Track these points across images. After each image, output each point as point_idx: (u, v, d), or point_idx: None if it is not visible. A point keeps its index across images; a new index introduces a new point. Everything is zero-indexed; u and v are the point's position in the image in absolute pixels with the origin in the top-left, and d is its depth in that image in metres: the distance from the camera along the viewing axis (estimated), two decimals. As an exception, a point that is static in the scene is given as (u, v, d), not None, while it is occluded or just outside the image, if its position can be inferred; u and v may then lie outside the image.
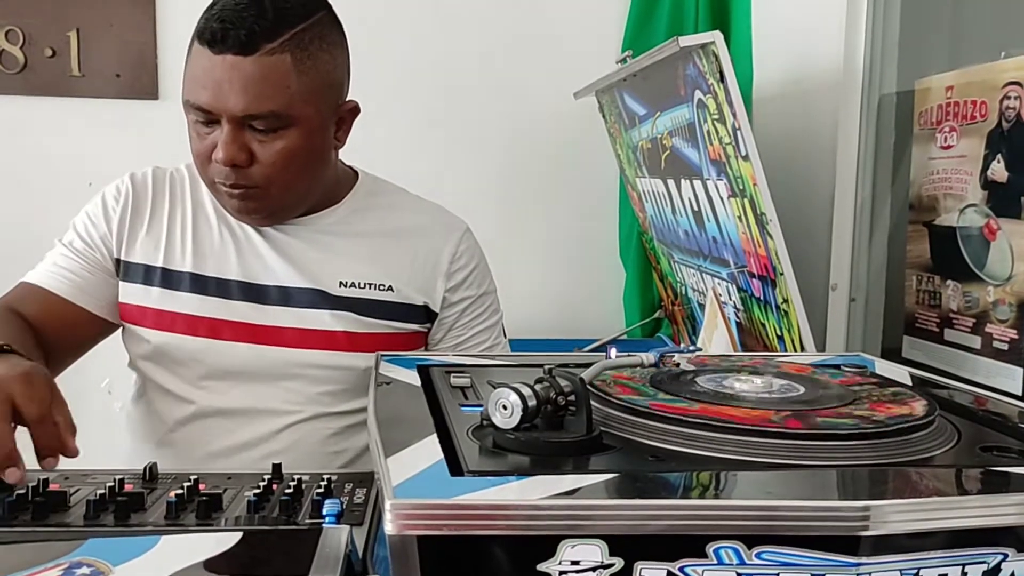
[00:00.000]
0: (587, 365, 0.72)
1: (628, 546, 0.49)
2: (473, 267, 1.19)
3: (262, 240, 1.13)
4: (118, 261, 1.12)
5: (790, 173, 1.58)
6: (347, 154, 1.19)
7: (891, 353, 1.41)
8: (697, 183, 1.48)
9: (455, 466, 0.56)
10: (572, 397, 0.62)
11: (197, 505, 0.76)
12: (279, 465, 0.88)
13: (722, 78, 1.21)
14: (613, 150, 2.08)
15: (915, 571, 0.51)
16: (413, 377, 0.82)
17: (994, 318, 1.18)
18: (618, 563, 0.49)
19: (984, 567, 0.52)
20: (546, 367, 0.65)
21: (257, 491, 0.79)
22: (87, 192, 1.22)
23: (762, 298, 1.36)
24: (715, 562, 0.49)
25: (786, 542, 0.49)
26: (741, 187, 1.28)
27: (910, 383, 0.85)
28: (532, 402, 0.60)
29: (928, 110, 1.31)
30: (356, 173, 1.21)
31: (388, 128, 1.98)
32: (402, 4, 2.14)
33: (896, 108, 1.45)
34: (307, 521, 0.76)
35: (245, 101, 0.98)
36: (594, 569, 0.49)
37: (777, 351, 1.35)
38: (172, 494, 0.78)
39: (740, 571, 0.49)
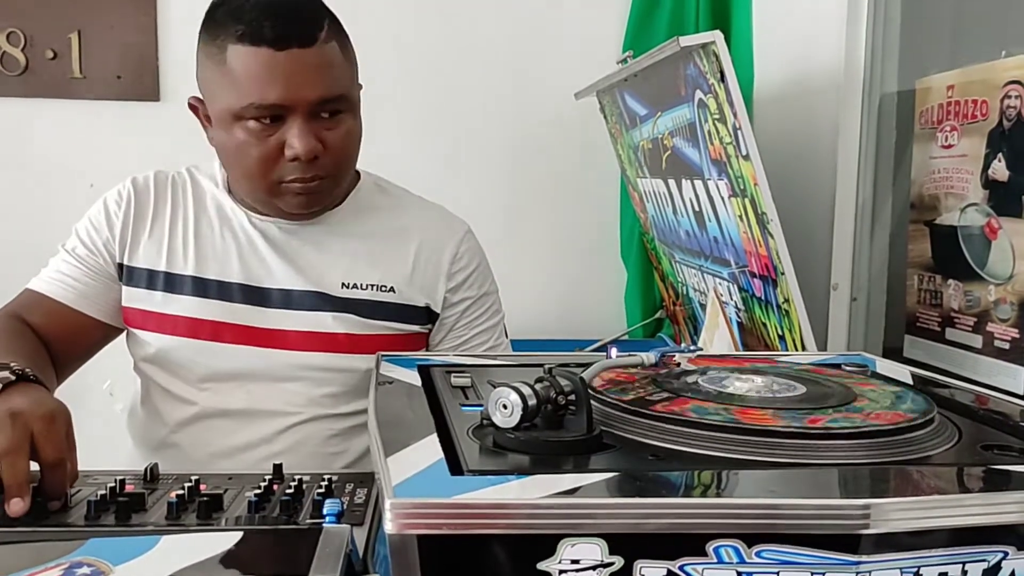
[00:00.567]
0: (587, 365, 0.72)
1: (628, 545, 0.49)
2: (474, 268, 1.19)
3: (264, 242, 1.13)
4: (121, 266, 1.13)
5: (791, 173, 1.58)
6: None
7: (893, 352, 1.41)
8: (698, 183, 1.48)
9: (455, 465, 0.56)
10: (572, 396, 0.62)
11: (198, 505, 0.76)
12: (280, 466, 0.88)
13: (723, 78, 1.21)
14: (614, 150, 2.08)
15: (915, 569, 0.51)
16: (414, 377, 0.82)
17: (995, 317, 1.18)
18: (618, 562, 0.49)
19: (984, 565, 0.51)
20: (546, 367, 0.65)
21: (258, 491, 0.79)
22: (89, 193, 1.22)
23: (763, 298, 1.36)
24: (715, 561, 0.49)
25: (786, 540, 0.49)
26: (742, 187, 1.28)
27: (911, 382, 0.85)
28: (532, 401, 0.60)
29: (929, 109, 1.31)
30: (358, 174, 1.22)
31: (389, 129, 1.98)
32: (403, 5, 2.15)
33: (897, 107, 1.45)
34: (308, 521, 0.76)
35: (322, 87, 1.01)
36: (594, 568, 0.49)
37: (778, 351, 1.35)
38: (173, 494, 0.78)
39: (740, 570, 0.49)
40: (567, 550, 0.49)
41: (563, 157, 2.22)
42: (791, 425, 0.62)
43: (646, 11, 2.08)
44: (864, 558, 0.49)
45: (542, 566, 0.49)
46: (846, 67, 1.46)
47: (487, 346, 1.19)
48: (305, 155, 1.01)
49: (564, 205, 2.24)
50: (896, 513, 0.50)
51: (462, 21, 2.16)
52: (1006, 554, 0.52)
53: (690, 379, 0.74)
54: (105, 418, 1.31)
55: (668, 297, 2.09)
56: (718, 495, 0.56)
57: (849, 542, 0.49)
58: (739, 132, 1.22)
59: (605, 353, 0.77)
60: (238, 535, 0.62)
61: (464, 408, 0.71)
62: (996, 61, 1.16)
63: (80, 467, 0.85)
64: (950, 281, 1.27)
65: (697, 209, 1.54)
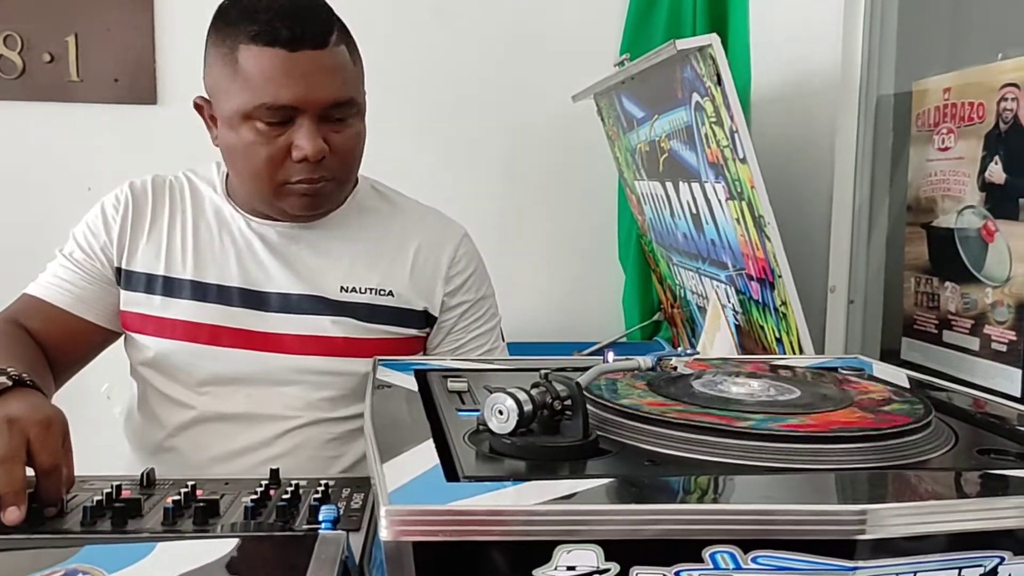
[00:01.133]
0: (584, 369, 0.72)
1: (624, 551, 0.49)
2: (471, 271, 1.19)
3: (263, 246, 1.13)
4: (119, 270, 1.12)
5: (788, 175, 1.58)
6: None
7: (890, 355, 1.41)
8: (695, 186, 1.48)
9: (451, 471, 0.56)
10: (568, 402, 0.62)
11: (194, 511, 0.76)
12: (277, 471, 0.88)
13: (719, 81, 1.21)
14: (611, 153, 2.08)
15: (912, 574, 0.50)
16: (410, 381, 0.82)
17: (992, 320, 1.18)
18: (614, 568, 0.49)
19: (981, 570, 0.51)
20: (542, 371, 0.65)
21: (254, 497, 0.79)
22: (86, 197, 1.22)
23: (760, 300, 1.36)
24: (711, 567, 0.49)
25: (782, 546, 0.49)
26: (739, 190, 1.28)
27: (908, 385, 0.85)
28: (528, 407, 0.60)
29: (926, 112, 1.31)
30: (356, 178, 1.22)
31: (386, 131, 1.97)
32: (401, 7, 2.15)
33: (894, 110, 1.45)
34: (304, 527, 0.76)
35: (334, 89, 1.01)
36: (590, 574, 0.49)
37: (776, 353, 1.35)
38: (169, 500, 0.78)
39: (736, 575, 0.49)
40: (563, 556, 0.49)
41: (561, 160, 2.22)
42: (787, 430, 0.61)
43: (643, 14, 2.08)
44: (860, 564, 0.49)
45: (538, 573, 0.49)
46: (843, 70, 1.46)
47: (484, 350, 1.19)
48: (313, 156, 1.01)
49: (562, 208, 2.24)
50: (892, 518, 0.50)
51: (459, 24, 2.16)
52: (1002, 559, 0.52)
53: (687, 383, 0.74)
54: (102, 423, 1.30)
55: (666, 300, 2.09)
56: (714, 501, 0.56)
57: (845, 548, 0.49)
58: (736, 135, 1.22)
59: (602, 357, 0.77)
60: (234, 542, 0.61)
61: (460, 413, 0.71)
62: (993, 64, 1.16)
63: (77, 472, 0.85)
64: (947, 283, 1.27)
65: (694, 212, 1.54)
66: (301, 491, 0.83)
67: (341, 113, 1.03)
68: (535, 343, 1.95)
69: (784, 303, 1.26)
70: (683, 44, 1.25)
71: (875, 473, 0.58)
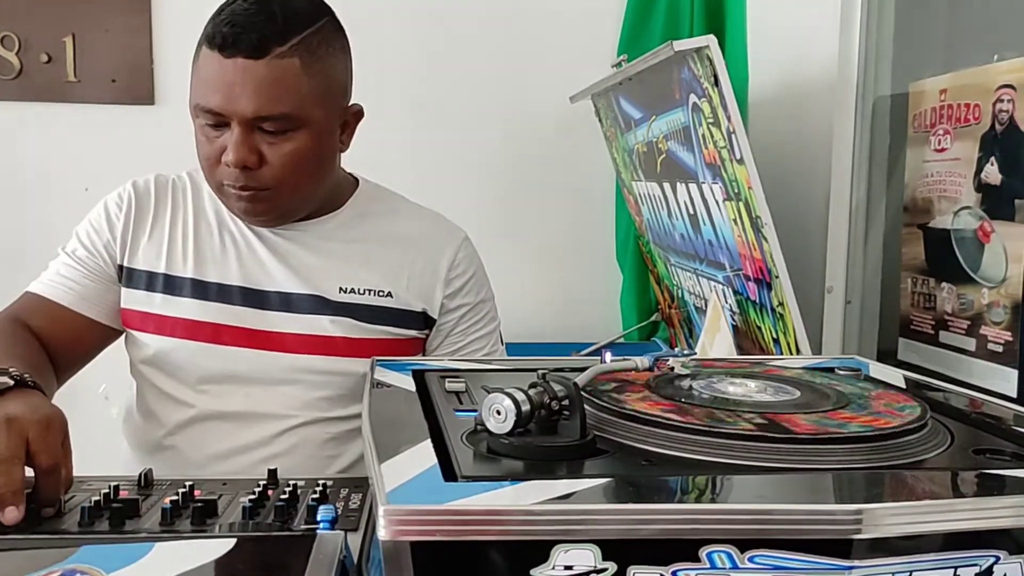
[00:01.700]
0: (582, 369, 0.72)
1: (621, 550, 0.49)
2: (471, 274, 1.19)
3: (263, 246, 1.13)
4: (121, 267, 1.13)
5: (785, 176, 1.58)
6: (343, 157, 1.19)
7: (887, 355, 1.42)
8: (693, 187, 1.49)
9: (449, 471, 0.56)
10: (566, 402, 0.62)
11: (192, 511, 0.76)
12: (275, 471, 0.88)
13: (717, 82, 1.21)
14: (609, 153, 2.08)
15: (908, 574, 0.51)
16: (408, 382, 0.82)
17: (988, 320, 1.18)
18: (611, 568, 0.49)
19: (976, 569, 0.52)
20: (540, 372, 0.65)
21: (252, 497, 0.79)
22: (84, 198, 1.22)
23: (758, 301, 1.36)
24: (708, 566, 0.49)
25: (779, 546, 0.49)
26: (736, 190, 1.29)
27: (904, 386, 0.85)
28: (526, 407, 0.60)
29: (922, 113, 1.32)
30: (356, 180, 1.22)
31: (384, 132, 1.98)
32: (398, 8, 2.15)
33: (890, 111, 1.46)
34: (302, 527, 0.76)
35: (257, 103, 0.99)
36: (587, 574, 0.49)
37: (773, 354, 1.35)
38: (167, 500, 0.78)
39: (733, 575, 0.49)
40: (560, 556, 0.49)
41: (558, 160, 2.22)
42: (784, 430, 0.62)
43: (641, 15, 2.08)
44: (857, 563, 0.50)
45: (536, 572, 0.49)
46: (840, 71, 1.47)
47: (483, 353, 1.20)
48: (234, 163, 1.01)
49: (559, 208, 2.24)
50: (888, 518, 0.50)
51: (457, 25, 2.16)
52: (998, 558, 0.52)
53: (684, 384, 0.74)
54: (100, 423, 1.30)
55: (663, 300, 2.09)
56: (711, 500, 0.56)
57: (841, 547, 0.49)
58: (733, 136, 1.22)
59: (599, 357, 0.77)
60: (231, 542, 0.61)
61: (458, 413, 0.71)
62: (989, 65, 1.16)
63: (75, 472, 0.85)
64: (944, 284, 1.27)
65: (692, 212, 1.54)
66: (299, 491, 0.83)
67: (274, 126, 1.01)
68: (533, 343, 1.95)
69: (781, 304, 1.26)
70: (680, 45, 1.25)
71: (871, 473, 0.58)
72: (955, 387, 0.85)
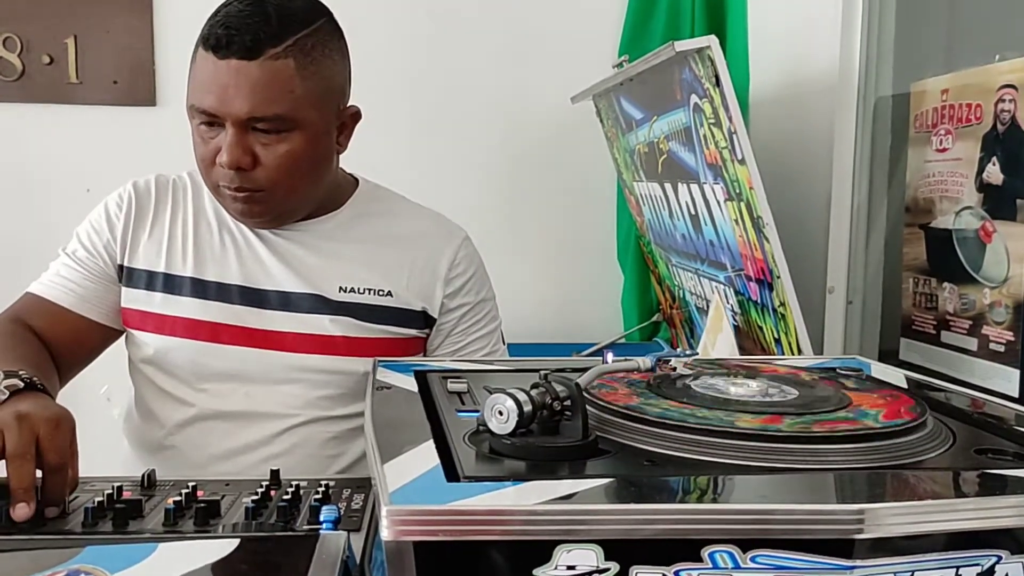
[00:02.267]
0: (584, 370, 0.72)
1: (623, 550, 0.49)
2: (471, 274, 1.19)
3: (262, 245, 1.13)
4: (121, 267, 1.13)
5: (786, 176, 1.58)
6: (344, 158, 1.19)
7: (888, 355, 1.42)
8: (694, 187, 1.49)
9: (451, 472, 0.56)
10: (568, 402, 0.62)
11: (195, 512, 0.77)
12: (277, 471, 0.88)
13: (718, 82, 1.21)
14: (610, 154, 2.08)
15: (909, 573, 0.51)
16: (410, 383, 0.82)
17: (990, 320, 1.18)
18: (613, 567, 0.49)
19: (978, 569, 0.52)
20: (542, 372, 0.65)
21: (255, 497, 0.79)
22: (85, 199, 1.22)
23: (759, 301, 1.36)
24: (710, 566, 0.49)
25: (781, 545, 0.50)
26: (737, 191, 1.29)
27: (906, 386, 0.85)
28: (528, 407, 0.60)
29: (924, 113, 1.32)
30: (356, 180, 1.22)
31: (384, 133, 1.98)
32: (399, 9, 2.15)
33: (892, 111, 1.46)
34: (305, 527, 0.76)
35: (251, 104, 0.99)
36: (590, 574, 0.49)
37: (774, 354, 1.35)
38: (170, 501, 0.78)
39: (735, 575, 0.49)
40: (563, 556, 0.49)
41: (559, 161, 2.22)
42: (785, 430, 0.62)
43: (642, 16, 2.08)
44: (858, 563, 0.50)
45: (538, 572, 0.49)
46: (841, 71, 1.46)
47: (484, 352, 1.20)
48: (228, 165, 1.01)
49: (560, 209, 2.24)
50: (890, 518, 0.50)
51: (458, 25, 2.16)
52: (1000, 558, 0.52)
53: (686, 384, 0.74)
54: (101, 424, 1.30)
55: (665, 300, 2.09)
56: (713, 500, 0.56)
57: (843, 547, 0.50)
58: (734, 136, 1.22)
59: (601, 358, 0.77)
60: (235, 542, 0.62)
61: (460, 414, 0.71)
62: (990, 65, 1.16)
63: (79, 474, 0.85)
64: (945, 284, 1.28)
65: (693, 213, 1.54)
66: (302, 492, 0.83)
67: (267, 128, 1.01)
68: (534, 344, 1.95)
69: (783, 304, 1.26)
70: (682, 46, 1.25)
71: (873, 473, 0.58)
72: (957, 387, 0.85)
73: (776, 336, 1.34)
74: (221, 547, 0.61)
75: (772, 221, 1.21)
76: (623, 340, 2.15)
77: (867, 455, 0.60)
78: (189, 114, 1.05)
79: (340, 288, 1.12)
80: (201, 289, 1.11)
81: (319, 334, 1.11)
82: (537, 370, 0.68)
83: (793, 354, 1.27)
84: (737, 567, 0.49)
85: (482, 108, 2.19)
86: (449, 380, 0.82)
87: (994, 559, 0.52)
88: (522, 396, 0.60)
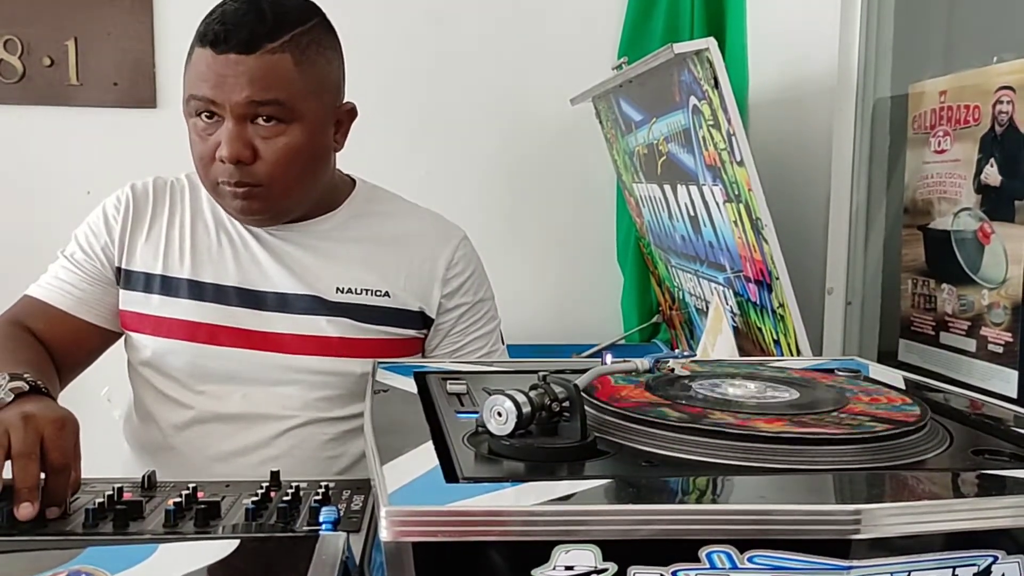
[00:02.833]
0: (583, 371, 0.72)
1: (621, 551, 0.49)
2: (469, 274, 1.19)
3: (259, 246, 1.13)
4: (119, 270, 1.14)
5: (785, 178, 1.58)
6: (341, 159, 1.20)
7: (887, 356, 1.42)
8: (693, 188, 1.49)
9: (450, 473, 0.57)
10: (567, 403, 0.62)
11: (195, 513, 0.77)
12: (277, 473, 0.88)
13: (717, 84, 1.22)
14: (610, 155, 2.09)
15: (906, 574, 0.51)
16: (409, 384, 0.82)
17: (989, 321, 1.18)
18: (612, 568, 0.49)
19: (975, 569, 0.52)
20: (541, 373, 0.66)
21: (255, 499, 0.80)
22: (86, 201, 1.23)
23: (758, 302, 1.36)
24: (708, 566, 0.50)
25: (778, 546, 0.50)
26: (736, 192, 1.29)
27: (904, 387, 0.85)
28: (526, 409, 0.60)
29: (922, 114, 1.32)
30: (353, 181, 1.22)
31: (383, 134, 1.99)
32: (398, 10, 2.15)
33: (890, 112, 1.46)
34: (304, 528, 0.76)
35: (250, 90, 1.01)
36: (588, 574, 0.49)
37: (773, 355, 1.35)
38: (170, 502, 0.78)
39: (732, 575, 0.50)
40: (561, 556, 0.49)
41: (559, 162, 2.22)
42: (784, 430, 0.62)
43: (641, 17, 2.08)
44: (855, 563, 0.50)
45: (536, 573, 0.49)
46: (840, 72, 1.47)
47: (482, 352, 1.20)
48: (228, 158, 1.02)
49: (560, 210, 2.24)
50: (887, 518, 0.50)
51: (458, 27, 2.17)
52: (996, 558, 0.52)
53: (684, 385, 0.74)
54: (102, 425, 1.30)
55: (664, 302, 2.10)
56: (711, 501, 0.56)
57: (840, 547, 0.50)
58: (733, 138, 1.23)
59: (600, 359, 0.77)
60: (235, 543, 0.62)
61: (459, 415, 0.72)
62: (988, 66, 1.17)
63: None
64: (944, 285, 1.28)
65: (692, 214, 1.54)
66: (302, 493, 0.84)
67: (267, 115, 1.02)
68: (533, 345, 1.95)
69: (782, 305, 1.27)
70: (680, 48, 1.26)
71: (870, 473, 0.59)
72: (955, 388, 0.85)
73: (775, 337, 1.34)
74: (221, 548, 0.61)
75: (771, 222, 1.22)
76: (622, 341, 2.15)
77: (865, 456, 0.60)
78: (185, 112, 1.06)
79: (337, 289, 1.12)
80: (198, 291, 1.12)
81: (316, 335, 1.11)
82: (536, 371, 0.69)
83: (792, 355, 1.28)
84: (735, 567, 0.50)
85: (482, 110, 2.19)
86: (448, 381, 0.83)
87: (990, 559, 0.52)
88: (521, 397, 0.60)
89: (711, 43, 1.21)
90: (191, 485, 0.83)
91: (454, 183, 2.15)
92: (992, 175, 1.17)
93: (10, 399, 0.85)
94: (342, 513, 0.79)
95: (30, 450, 0.79)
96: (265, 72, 1.01)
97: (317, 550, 0.61)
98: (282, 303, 1.12)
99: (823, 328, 1.50)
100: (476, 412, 0.67)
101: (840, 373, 0.87)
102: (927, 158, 1.30)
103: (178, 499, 0.79)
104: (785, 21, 1.70)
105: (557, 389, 0.62)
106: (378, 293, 1.13)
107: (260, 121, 1.02)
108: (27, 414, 0.82)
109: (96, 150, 2.12)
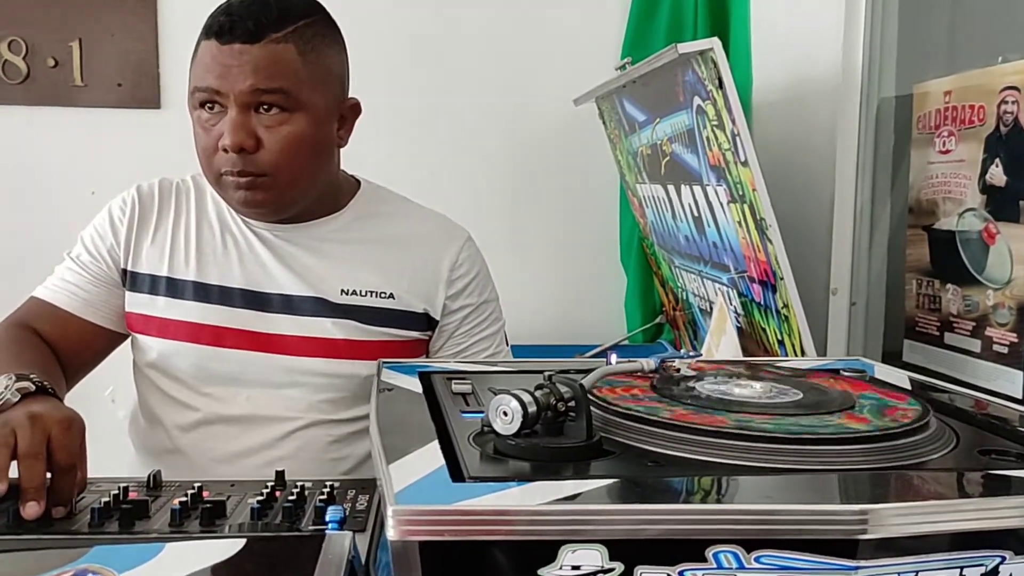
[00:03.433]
0: (588, 371, 0.72)
1: (628, 551, 0.49)
2: (474, 275, 1.19)
3: (264, 248, 1.13)
4: (125, 271, 1.14)
5: (789, 178, 1.58)
6: (346, 159, 1.20)
7: (892, 357, 1.42)
8: (697, 189, 1.49)
9: (456, 472, 0.57)
10: (572, 403, 0.62)
11: (201, 512, 0.77)
12: (282, 472, 0.88)
13: (721, 84, 1.22)
14: (613, 156, 2.09)
15: (913, 574, 0.51)
16: (415, 384, 0.82)
17: (994, 321, 1.18)
18: (618, 567, 0.49)
19: (982, 569, 0.52)
20: (546, 373, 0.66)
21: (260, 498, 0.80)
22: (90, 201, 1.23)
23: (762, 303, 1.36)
24: (715, 566, 0.50)
25: (785, 546, 0.50)
26: (741, 192, 1.29)
27: (909, 387, 0.85)
28: (532, 408, 0.60)
29: (927, 114, 1.32)
30: (358, 182, 1.22)
31: (387, 134, 1.99)
32: (401, 10, 2.15)
33: (895, 113, 1.46)
34: (310, 528, 0.77)
35: (254, 78, 1.01)
36: (595, 574, 0.49)
37: (778, 356, 1.35)
38: (176, 501, 0.78)
39: (739, 575, 0.50)
40: (568, 556, 0.49)
41: (562, 163, 2.22)
42: (789, 431, 0.62)
43: (645, 17, 2.08)
44: (862, 563, 0.50)
45: (543, 572, 0.49)
46: (844, 72, 1.47)
47: (487, 354, 1.20)
48: (231, 145, 1.02)
49: (564, 211, 2.24)
50: (894, 518, 0.50)
51: (461, 27, 2.17)
52: (1004, 558, 0.52)
53: (689, 385, 0.74)
54: (107, 426, 1.31)
55: (668, 302, 2.09)
56: (717, 501, 0.56)
57: (847, 547, 0.50)
58: (737, 138, 1.22)
59: (605, 359, 0.77)
60: (241, 542, 0.62)
61: (465, 415, 0.72)
62: (993, 66, 1.17)
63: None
64: (949, 286, 1.28)
65: (696, 215, 1.54)
66: (307, 492, 0.84)
67: (271, 101, 1.03)
68: (538, 346, 1.95)
69: (786, 305, 1.26)
70: (684, 48, 1.26)
71: (877, 473, 0.59)
72: (960, 388, 0.85)
73: (779, 338, 1.34)
74: (227, 547, 0.61)
75: (775, 223, 1.22)
76: (626, 342, 2.15)
77: (871, 456, 0.60)
78: (190, 105, 1.06)
79: (342, 291, 1.12)
80: (203, 293, 1.12)
81: (321, 337, 1.11)
82: (541, 371, 0.69)
83: (796, 356, 1.27)
84: (741, 567, 0.50)
85: (486, 110, 2.19)
86: (453, 381, 0.83)
87: (998, 559, 0.52)
88: (527, 397, 0.61)
89: (715, 43, 1.21)
90: (196, 485, 0.84)
91: (458, 183, 2.15)
92: (997, 175, 1.16)
93: (16, 399, 0.86)
94: (348, 512, 0.80)
95: (36, 450, 0.79)
96: (270, 61, 1.02)
97: (323, 549, 0.61)
98: (287, 305, 1.12)
99: (827, 329, 1.50)
100: (481, 412, 0.67)
101: (846, 373, 0.86)
102: (932, 158, 1.30)
103: (184, 498, 0.79)
104: (789, 21, 1.70)
105: (563, 389, 0.62)
106: (382, 295, 1.13)
107: (263, 110, 1.03)
108: (34, 414, 0.82)
109: (100, 151, 2.13)
